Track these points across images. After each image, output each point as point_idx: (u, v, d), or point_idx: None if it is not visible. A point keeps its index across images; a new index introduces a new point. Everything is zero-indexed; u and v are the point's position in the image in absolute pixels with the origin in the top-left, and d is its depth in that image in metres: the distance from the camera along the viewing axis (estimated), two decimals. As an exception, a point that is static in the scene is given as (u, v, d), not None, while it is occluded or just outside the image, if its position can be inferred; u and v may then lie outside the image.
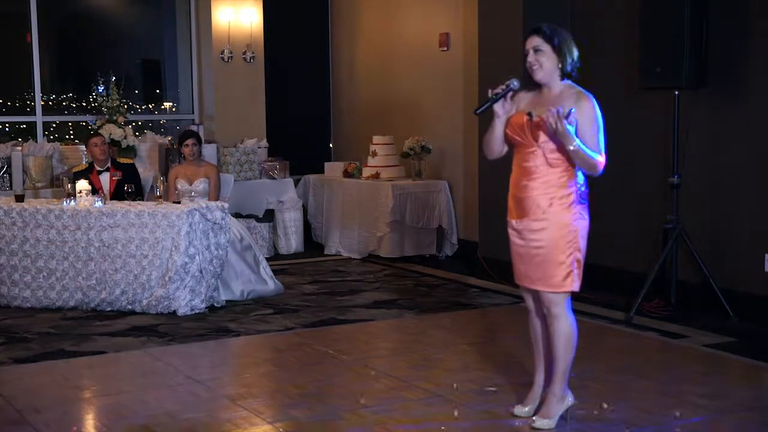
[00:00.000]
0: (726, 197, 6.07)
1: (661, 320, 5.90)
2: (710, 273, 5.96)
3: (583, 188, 3.83)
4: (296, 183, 9.25)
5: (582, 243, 3.82)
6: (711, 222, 6.17)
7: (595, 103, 3.77)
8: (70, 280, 6.40)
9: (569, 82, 3.84)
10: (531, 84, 3.88)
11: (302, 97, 10.31)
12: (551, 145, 3.75)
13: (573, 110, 3.68)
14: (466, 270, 7.81)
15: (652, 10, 6.05)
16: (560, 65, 3.78)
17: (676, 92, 6.02)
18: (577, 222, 3.79)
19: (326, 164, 9.39)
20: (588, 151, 3.69)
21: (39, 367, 4.98)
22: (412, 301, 6.68)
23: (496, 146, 3.94)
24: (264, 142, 9.43)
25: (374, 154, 8.70)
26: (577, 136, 3.68)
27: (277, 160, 9.21)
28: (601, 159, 3.74)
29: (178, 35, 10.05)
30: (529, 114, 3.79)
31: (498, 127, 3.89)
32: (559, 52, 3.76)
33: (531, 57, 3.78)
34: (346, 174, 8.97)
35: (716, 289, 5.92)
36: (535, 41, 3.78)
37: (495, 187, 7.51)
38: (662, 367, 4.91)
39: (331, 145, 10.61)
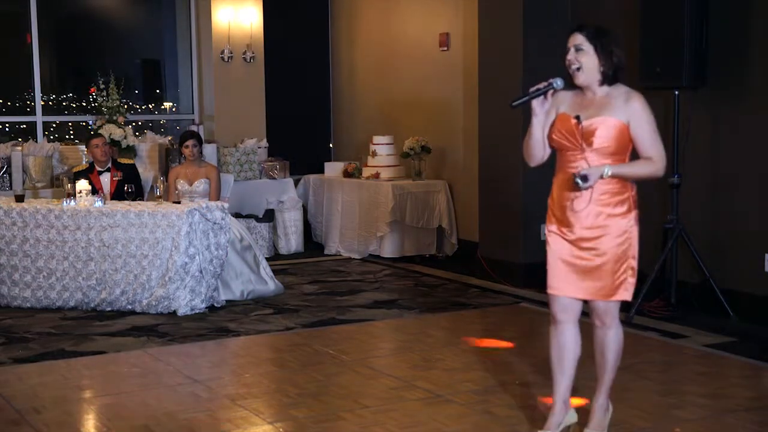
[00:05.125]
0: (726, 197, 6.07)
1: (661, 320, 5.89)
2: (710, 273, 5.96)
3: (633, 193, 3.60)
4: (296, 183, 9.24)
5: (636, 249, 3.59)
6: (711, 222, 6.17)
7: (645, 101, 3.53)
8: (70, 280, 6.40)
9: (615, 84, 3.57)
10: (572, 83, 3.59)
11: (302, 97, 10.30)
12: (606, 150, 3.50)
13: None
14: (466, 270, 7.80)
15: (652, 10, 6.05)
16: (602, 68, 3.50)
17: (676, 92, 6.02)
18: (633, 228, 3.56)
19: (326, 164, 9.38)
20: (627, 168, 3.50)
21: (39, 367, 4.98)
22: (412, 301, 6.67)
23: (538, 151, 3.64)
24: (264, 142, 9.43)
25: (374, 154, 8.69)
26: (633, 139, 3.50)
27: (277, 160, 9.21)
28: (657, 162, 3.51)
29: (178, 35, 10.05)
30: (577, 117, 3.52)
31: (536, 129, 3.60)
32: (602, 54, 3.49)
33: (571, 55, 3.52)
34: (346, 174, 8.97)
35: (716, 289, 5.92)
36: (578, 39, 3.51)
37: (495, 187, 7.55)
38: (662, 367, 4.90)
39: (331, 145, 10.61)
